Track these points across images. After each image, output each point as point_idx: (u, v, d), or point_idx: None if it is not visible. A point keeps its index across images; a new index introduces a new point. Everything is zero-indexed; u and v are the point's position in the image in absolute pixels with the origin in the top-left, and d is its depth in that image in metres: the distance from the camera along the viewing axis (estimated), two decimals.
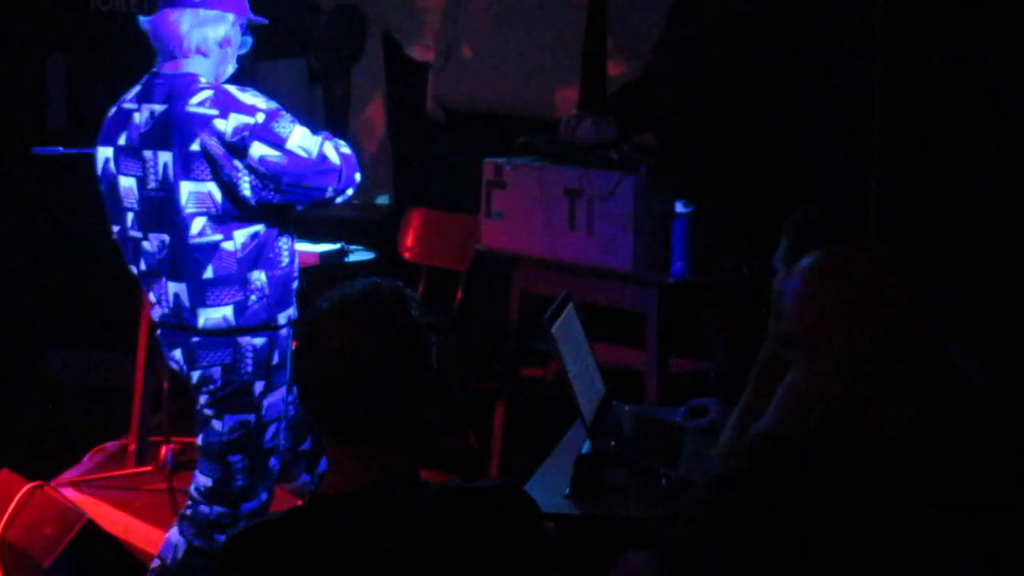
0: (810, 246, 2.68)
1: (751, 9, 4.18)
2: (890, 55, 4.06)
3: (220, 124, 3.31)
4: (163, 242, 3.42)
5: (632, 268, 4.07)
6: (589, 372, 3.27)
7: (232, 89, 3.39)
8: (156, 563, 3.59)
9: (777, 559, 1.85)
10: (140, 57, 3.60)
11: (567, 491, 2.86)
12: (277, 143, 3.33)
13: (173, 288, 3.44)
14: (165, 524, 3.98)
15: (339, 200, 3.47)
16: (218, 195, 3.36)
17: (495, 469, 4.60)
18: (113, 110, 3.53)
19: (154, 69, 3.48)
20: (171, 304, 3.45)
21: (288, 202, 3.41)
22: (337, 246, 4.84)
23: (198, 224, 3.37)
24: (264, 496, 3.57)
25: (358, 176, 3.49)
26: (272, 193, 3.36)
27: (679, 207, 4.02)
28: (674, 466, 2.98)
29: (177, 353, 3.50)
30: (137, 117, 3.43)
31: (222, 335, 3.43)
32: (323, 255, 4.77)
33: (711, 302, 4.28)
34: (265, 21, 3.58)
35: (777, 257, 2.77)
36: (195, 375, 3.47)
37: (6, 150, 5.90)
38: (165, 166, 3.37)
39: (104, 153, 3.52)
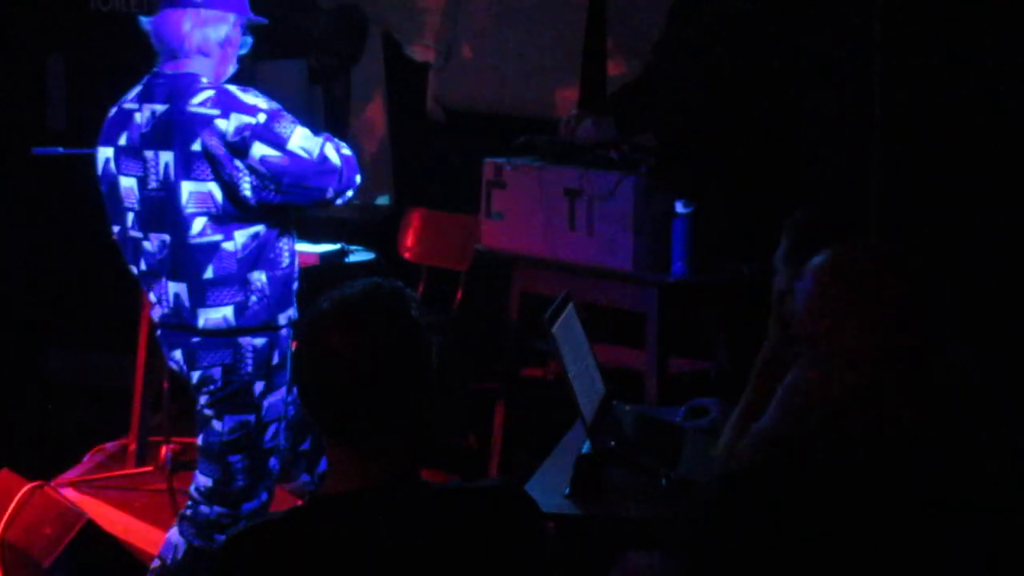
0: (810, 246, 2.69)
1: (751, 9, 4.18)
2: (890, 55, 4.06)
3: (222, 124, 3.31)
4: (164, 242, 3.42)
5: (632, 268, 4.07)
6: (589, 372, 3.27)
7: (234, 89, 3.39)
8: (156, 563, 3.59)
9: (777, 558, 1.85)
10: (140, 57, 3.60)
11: (567, 491, 2.86)
12: (278, 143, 3.33)
13: (173, 288, 3.44)
14: (165, 524, 3.98)
15: (339, 201, 3.47)
16: (219, 195, 3.36)
17: (495, 469, 4.60)
18: (113, 110, 3.53)
19: (155, 69, 3.49)
20: (171, 304, 3.45)
21: (288, 202, 3.41)
22: (337, 246, 4.84)
23: (199, 224, 3.37)
24: (264, 496, 3.57)
25: (358, 178, 3.49)
26: (273, 193, 3.36)
27: (679, 207, 4.02)
28: (674, 466, 2.98)
29: (177, 353, 3.50)
30: (138, 117, 3.43)
31: (222, 335, 3.43)
32: (323, 255, 4.77)
33: (711, 302, 4.28)
34: (265, 21, 3.58)
35: (777, 257, 2.77)
36: (195, 375, 3.47)
37: (6, 150, 5.90)
38: (166, 166, 3.37)
39: (104, 153, 3.52)
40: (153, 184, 3.41)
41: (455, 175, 5.66)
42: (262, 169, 3.33)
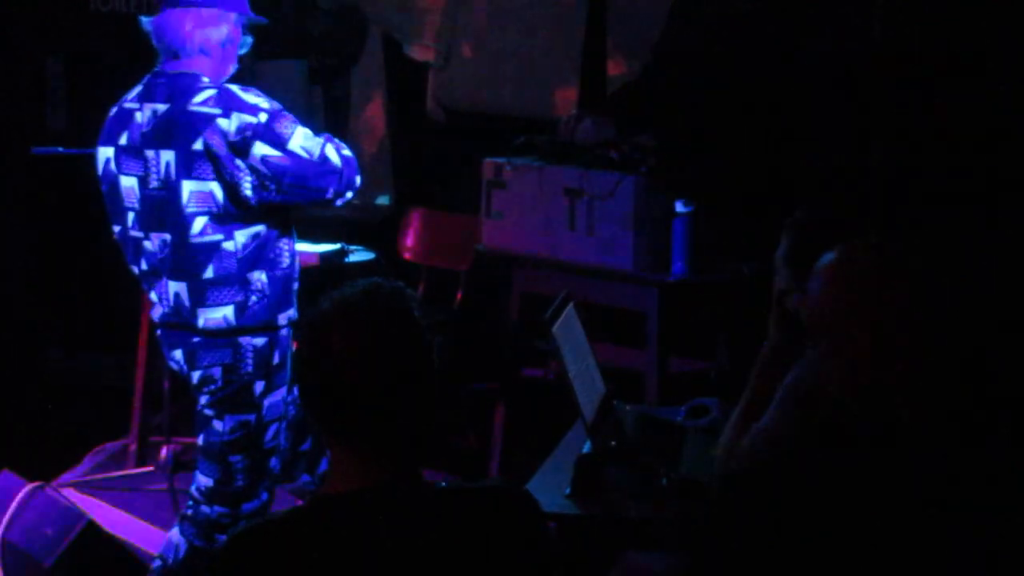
0: (810, 246, 2.69)
1: (751, 9, 4.18)
2: (890, 55, 4.06)
3: (223, 123, 3.32)
4: (165, 241, 3.42)
5: (632, 268, 4.07)
6: (589, 372, 3.27)
7: (235, 88, 3.39)
8: (157, 563, 3.59)
9: (777, 558, 1.85)
10: (140, 57, 3.60)
11: (568, 491, 2.86)
12: (279, 143, 3.33)
13: (174, 287, 3.44)
14: (166, 524, 3.99)
15: (339, 202, 3.47)
16: (220, 194, 3.36)
17: (495, 469, 4.60)
18: (114, 110, 3.53)
19: (156, 69, 3.49)
20: (172, 303, 3.45)
21: (288, 202, 3.42)
22: (337, 246, 4.84)
23: (199, 223, 3.38)
24: (265, 496, 3.58)
25: (358, 179, 3.49)
26: (273, 194, 3.36)
27: (679, 207, 4.02)
28: (675, 466, 2.98)
29: (178, 353, 3.50)
30: (139, 116, 3.44)
31: (223, 335, 3.43)
32: (323, 255, 4.77)
33: (711, 302, 4.28)
34: (265, 21, 3.58)
35: (777, 256, 2.77)
36: (196, 375, 3.47)
37: (6, 150, 5.90)
38: (167, 165, 3.37)
39: (105, 153, 3.52)
40: (154, 183, 3.41)
41: (455, 175, 5.66)
42: (263, 169, 3.33)
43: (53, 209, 6.01)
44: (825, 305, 1.91)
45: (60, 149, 4.68)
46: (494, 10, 5.93)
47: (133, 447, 5.05)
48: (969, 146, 3.99)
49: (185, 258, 3.40)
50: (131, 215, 3.49)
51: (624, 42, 5.53)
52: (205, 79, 3.41)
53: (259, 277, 3.44)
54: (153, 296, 3.52)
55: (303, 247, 4.31)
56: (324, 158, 3.40)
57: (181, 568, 3.53)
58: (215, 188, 3.36)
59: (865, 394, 1.91)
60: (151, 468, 4.96)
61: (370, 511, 1.93)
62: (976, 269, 3.91)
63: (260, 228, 3.44)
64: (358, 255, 4.94)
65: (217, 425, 3.48)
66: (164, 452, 4.96)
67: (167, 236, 3.41)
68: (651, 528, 2.85)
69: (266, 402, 3.50)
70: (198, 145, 3.32)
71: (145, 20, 3.49)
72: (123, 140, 3.46)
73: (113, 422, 5.24)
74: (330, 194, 3.43)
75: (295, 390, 3.61)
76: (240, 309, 3.42)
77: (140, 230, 3.47)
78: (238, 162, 3.32)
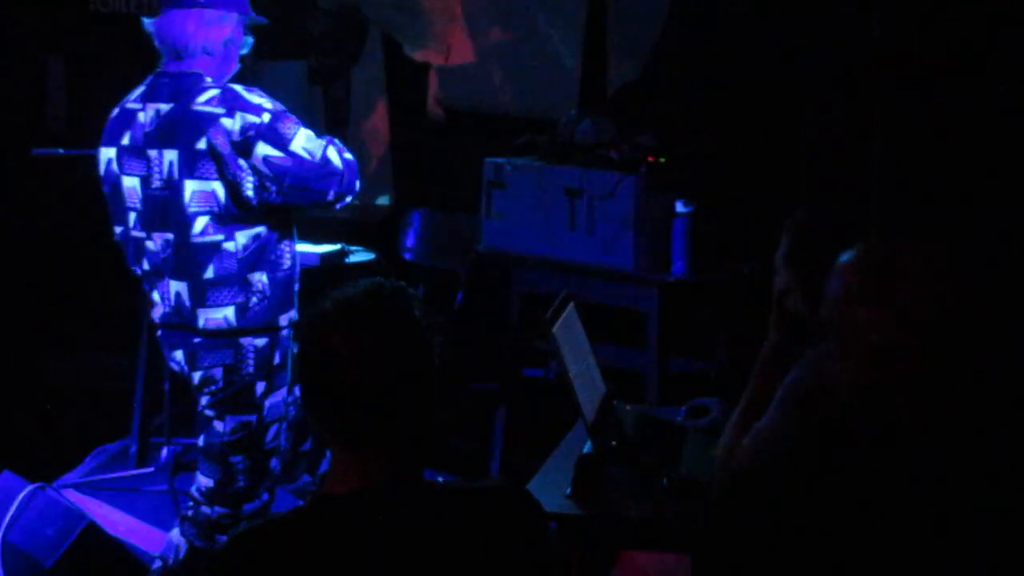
0: (810, 246, 2.70)
1: (751, 10, 4.18)
2: (890, 55, 4.06)
3: (227, 123, 3.32)
4: (167, 241, 3.42)
5: (632, 268, 4.07)
6: (590, 372, 3.27)
7: (239, 88, 3.40)
8: (158, 564, 3.59)
9: (777, 558, 1.85)
10: (140, 57, 3.61)
11: (568, 491, 2.86)
12: (282, 144, 3.34)
13: (175, 287, 3.44)
14: (166, 525, 3.99)
15: (338, 206, 3.48)
16: (222, 194, 3.36)
17: (495, 469, 4.60)
18: (116, 111, 3.54)
19: (158, 69, 3.49)
20: (173, 303, 3.45)
21: (289, 203, 3.42)
22: (337, 247, 4.84)
23: (200, 223, 3.38)
24: (265, 497, 3.58)
25: (358, 183, 3.50)
26: (273, 195, 3.36)
27: (679, 207, 4.02)
28: (675, 466, 2.98)
29: (179, 354, 3.50)
30: (142, 116, 3.44)
31: (223, 336, 3.44)
32: (323, 256, 4.77)
33: (711, 302, 4.29)
34: (266, 21, 3.59)
35: (778, 256, 2.77)
36: (196, 376, 3.47)
37: (6, 150, 5.90)
38: (170, 164, 3.38)
39: (107, 154, 3.53)
40: (156, 183, 3.41)
41: (455, 175, 5.66)
42: (264, 169, 3.33)
43: (53, 209, 6.01)
44: (835, 303, 1.92)
45: (60, 149, 4.68)
46: (494, 10, 5.94)
47: (133, 448, 5.05)
48: (969, 146, 3.99)
49: (186, 258, 3.40)
50: (133, 215, 3.49)
51: (624, 42, 5.53)
52: (208, 79, 3.42)
53: (260, 278, 3.44)
54: (155, 296, 3.52)
55: (303, 248, 4.31)
56: (326, 160, 3.40)
57: (181, 569, 3.53)
58: (217, 188, 3.36)
59: (866, 394, 1.91)
60: (151, 469, 4.96)
61: (370, 511, 1.93)
62: (976, 269, 3.91)
63: (261, 229, 3.44)
64: (358, 255, 4.94)
65: (218, 426, 3.48)
66: (164, 453, 4.96)
67: (170, 235, 3.42)
68: (651, 528, 2.84)
69: (267, 403, 3.51)
70: (201, 144, 3.33)
71: (147, 21, 3.49)
72: (125, 140, 3.46)
73: (113, 423, 5.24)
74: (331, 196, 3.43)
75: (295, 390, 3.61)
76: (241, 310, 3.42)
77: (142, 230, 3.48)
78: (241, 162, 3.33)
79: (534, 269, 4.36)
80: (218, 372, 3.45)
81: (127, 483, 4.89)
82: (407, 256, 5.58)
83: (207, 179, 3.35)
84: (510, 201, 4.33)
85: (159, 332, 3.59)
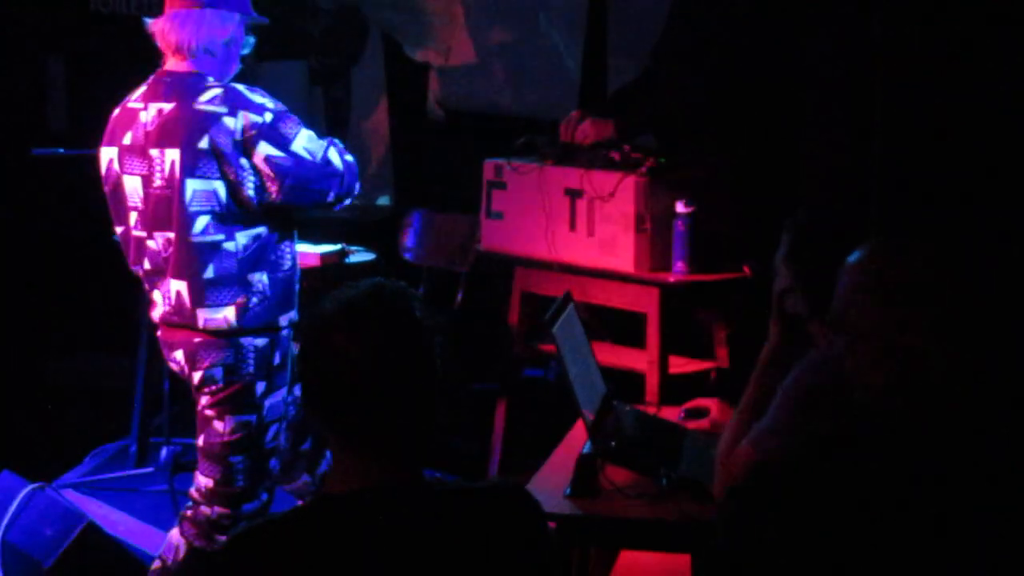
0: (810, 246, 2.70)
1: (751, 10, 4.18)
2: (890, 55, 4.05)
3: (229, 122, 3.32)
4: (169, 240, 3.42)
5: (633, 268, 4.07)
6: (590, 372, 3.28)
7: (241, 88, 3.40)
8: (157, 564, 3.59)
9: (778, 558, 1.85)
10: (140, 57, 3.61)
11: (568, 491, 2.86)
12: (283, 144, 3.34)
13: (175, 286, 3.44)
14: (166, 525, 3.99)
15: (337, 207, 3.49)
16: (223, 193, 3.36)
17: (495, 469, 4.59)
18: (117, 110, 3.54)
19: (160, 69, 3.50)
20: (174, 302, 3.45)
21: (289, 204, 3.42)
22: (338, 247, 4.84)
23: (201, 222, 3.38)
24: (264, 497, 3.58)
25: (358, 186, 3.51)
26: (274, 194, 3.37)
27: (679, 207, 4.02)
28: (674, 466, 2.98)
29: (179, 354, 3.50)
30: (143, 116, 3.44)
31: (224, 336, 3.44)
32: (323, 256, 4.77)
33: (711, 302, 4.28)
34: (267, 21, 3.59)
35: (778, 257, 2.77)
36: (197, 376, 3.47)
37: (6, 150, 5.90)
38: (172, 163, 3.38)
39: (108, 153, 3.53)
40: (158, 182, 3.41)
41: (455, 175, 5.66)
42: (266, 168, 3.34)
43: (53, 209, 6.01)
44: (844, 303, 1.92)
45: (60, 149, 4.68)
46: (494, 10, 5.94)
47: (133, 448, 5.05)
48: (969, 146, 3.98)
49: (186, 257, 3.40)
50: (134, 215, 3.49)
51: (624, 42, 5.54)
52: (210, 79, 3.42)
53: (260, 279, 3.45)
54: (156, 296, 3.52)
55: (303, 248, 4.31)
56: (327, 161, 3.40)
57: (181, 569, 3.53)
58: (219, 187, 3.36)
59: (878, 393, 1.91)
60: (151, 469, 4.96)
61: (370, 511, 1.93)
62: (976, 269, 3.91)
63: (262, 230, 3.44)
64: (358, 256, 4.94)
65: (218, 426, 3.48)
66: (164, 453, 4.96)
67: (171, 235, 3.42)
68: (651, 528, 2.84)
69: (267, 403, 3.51)
70: (204, 143, 3.33)
71: (149, 21, 3.49)
72: (127, 140, 3.47)
73: (113, 423, 5.25)
74: (331, 197, 3.44)
75: (295, 390, 3.62)
76: (241, 310, 3.42)
77: (143, 229, 3.48)
78: (242, 161, 3.33)
79: (534, 269, 4.35)
80: (218, 372, 3.45)
81: (126, 483, 4.90)
82: (407, 256, 5.58)
83: (209, 178, 3.36)
84: (510, 201, 4.32)
85: (159, 332, 3.59)
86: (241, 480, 3.51)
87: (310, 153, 3.38)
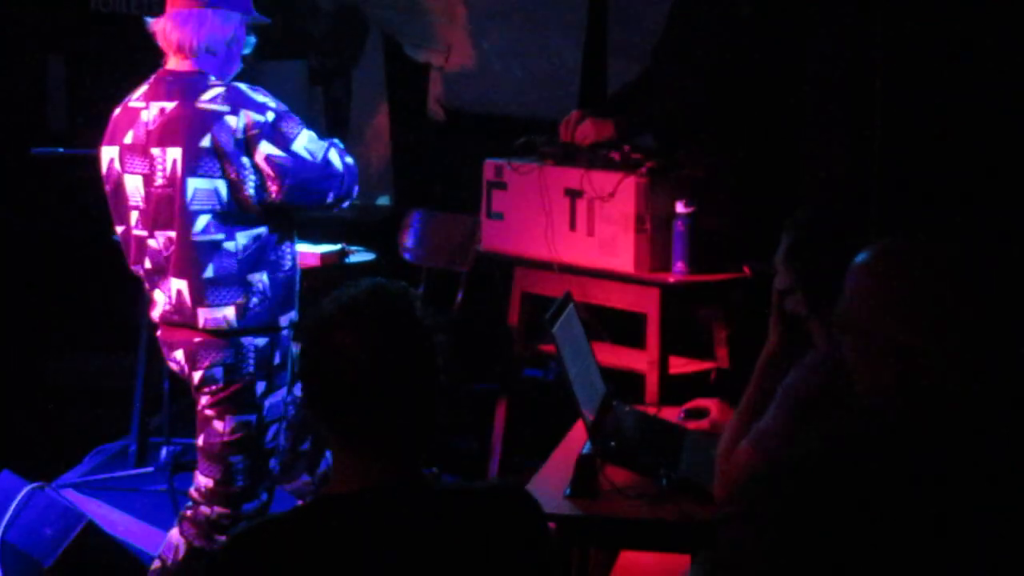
0: (810, 246, 2.70)
1: (751, 9, 4.18)
2: (890, 55, 4.05)
3: (231, 120, 3.33)
4: (170, 239, 3.43)
5: (633, 269, 4.07)
6: (590, 372, 3.28)
7: (243, 87, 3.41)
8: (156, 564, 3.59)
9: (778, 558, 1.85)
10: (140, 57, 3.61)
11: (568, 492, 2.86)
12: (284, 143, 3.34)
13: (176, 284, 3.44)
14: (165, 525, 3.99)
15: (336, 209, 3.49)
16: (224, 192, 3.37)
17: (495, 469, 4.60)
18: (118, 110, 3.54)
19: (161, 68, 3.50)
20: (174, 301, 3.45)
21: (288, 204, 3.42)
22: (337, 247, 4.84)
23: (202, 221, 3.38)
24: (264, 497, 3.58)
25: (356, 189, 3.52)
26: (275, 194, 3.37)
27: (679, 207, 4.02)
28: (674, 466, 2.98)
29: (179, 354, 3.50)
30: (145, 115, 3.44)
31: (224, 335, 3.44)
32: (323, 256, 4.77)
33: (711, 302, 4.28)
34: (268, 21, 3.59)
35: (778, 257, 2.77)
36: (197, 375, 3.47)
37: (6, 150, 5.90)
38: (174, 162, 3.38)
39: (109, 153, 3.53)
40: (159, 181, 3.41)
41: (455, 176, 5.66)
42: (266, 168, 3.34)
43: (53, 209, 6.01)
44: (851, 303, 1.92)
45: (60, 149, 4.68)
46: (495, 10, 5.94)
47: (133, 448, 5.05)
48: (969, 146, 3.98)
49: (186, 255, 3.40)
50: (135, 214, 3.49)
51: (624, 42, 5.54)
52: (213, 78, 3.42)
53: (260, 279, 3.45)
54: (157, 295, 3.52)
55: (303, 248, 4.31)
56: (327, 162, 3.41)
57: (180, 569, 3.52)
58: (220, 186, 3.36)
59: (867, 393, 1.91)
60: (151, 469, 4.96)
61: (370, 511, 1.93)
62: (976, 269, 3.91)
63: (262, 230, 3.44)
64: (358, 256, 4.94)
65: (218, 425, 3.48)
66: (164, 453, 4.96)
67: (172, 233, 3.42)
68: (650, 528, 2.84)
69: (267, 402, 3.51)
70: (206, 142, 3.33)
71: (150, 20, 3.50)
72: (128, 139, 3.47)
73: (113, 423, 5.25)
74: (330, 199, 3.44)
75: (295, 390, 3.61)
76: (241, 310, 3.42)
77: (144, 228, 3.48)
78: (244, 159, 3.34)
79: (534, 270, 4.35)
80: (219, 372, 3.45)
81: (126, 483, 4.90)
82: (407, 256, 5.58)
83: (210, 177, 3.36)
84: (511, 202, 4.32)
85: (159, 332, 3.59)
86: (241, 480, 3.51)
87: (311, 154, 3.38)
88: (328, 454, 3.80)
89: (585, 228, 4.13)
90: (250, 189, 3.36)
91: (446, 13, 6.03)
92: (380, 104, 6.31)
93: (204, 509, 3.52)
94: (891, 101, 4.07)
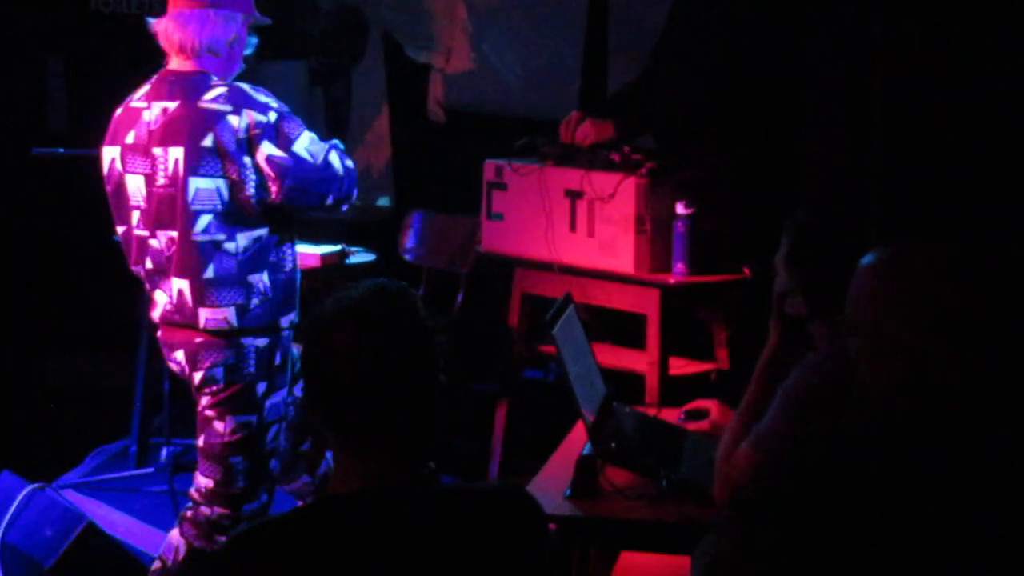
0: (810, 246, 2.70)
1: (751, 10, 4.18)
2: (890, 55, 4.05)
3: (233, 120, 3.33)
4: (172, 239, 3.43)
5: (633, 269, 4.07)
6: (590, 373, 3.27)
7: (246, 87, 3.41)
8: (157, 564, 3.59)
9: (778, 558, 1.85)
10: (140, 57, 3.61)
11: (568, 492, 2.86)
12: (285, 144, 3.35)
13: (177, 284, 3.44)
14: (166, 526, 3.99)
15: (334, 212, 3.49)
16: (225, 192, 3.37)
17: (495, 469, 4.60)
18: (120, 109, 3.54)
19: (163, 68, 3.50)
20: (175, 301, 3.45)
21: (288, 204, 3.42)
22: (338, 248, 4.84)
23: (203, 221, 3.38)
24: (264, 498, 3.57)
25: (356, 191, 3.52)
26: (275, 194, 3.37)
27: (679, 208, 4.02)
28: (674, 467, 2.98)
29: (179, 355, 3.50)
30: (147, 115, 3.44)
31: (224, 336, 3.44)
32: (324, 257, 4.77)
33: (711, 303, 4.28)
34: (269, 21, 3.59)
35: (778, 258, 2.77)
36: (197, 376, 3.47)
37: (6, 150, 5.90)
38: (175, 162, 3.38)
39: (110, 153, 3.53)
40: (161, 181, 3.42)
41: (456, 176, 5.66)
42: (267, 168, 3.34)
43: (53, 209, 6.01)
44: (858, 304, 1.93)
45: (60, 149, 4.68)
46: (495, 11, 5.94)
47: (133, 448, 5.05)
48: (969, 146, 3.98)
49: (187, 256, 3.40)
50: (136, 214, 3.49)
51: (624, 43, 5.54)
52: (215, 78, 3.43)
53: (261, 279, 3.45)
54: (157, 296, 3.52)
55: (303, 248, 4.31)
56: (327, 164, 3.41)
57: (181, 569, 3.52)
58: (221, 185, 3.36)
59: (864, 394, 1.91)
60: (151, 469, 4.96)
61: (371, 512, 1.93)
62: (977, 270, 3.91)
63: (262, 232, 3.44)
64: (359, 256, 4.95)
65: (218, 426, 3.48)
66: (164, 453, 4.96)
67: (173, 233, 3.42)
68: (650, 529, 2.84)
69: (267, 403, 3.51)
70: (208, 141, 3.33)
71: (152, 21, 3.50)
72: (129, 139, 3.47)
73: (113, 423, 5.24)
74: (329, 201, 3.44)
75: (295, 391, 3.62)
76: (242, 311, 3.42)
77: (145, 228, 3.48)
78: (245, 159, 3.34)
79: (535, 271, 4.35)
80: (219, 372, 3.45)
81: (127, 483, 4.90)
82: (407, 257, 5.58)
83: (212, 177, 3.36)
84: (511, 202, 4.32)
85: (159, 333, 3.59)
86: (241, 481, 3.50)
87: (311, 155, 3.38)
88: (329, 455, 3.80)
89: (585, 229, 4.13)
90: (251, 189, 3.36)
91: (446, 14, 6.03)
92: (380, 105, 6.31)
93: (204, 510, 3.52)
94: (891, 101, 4.07)
